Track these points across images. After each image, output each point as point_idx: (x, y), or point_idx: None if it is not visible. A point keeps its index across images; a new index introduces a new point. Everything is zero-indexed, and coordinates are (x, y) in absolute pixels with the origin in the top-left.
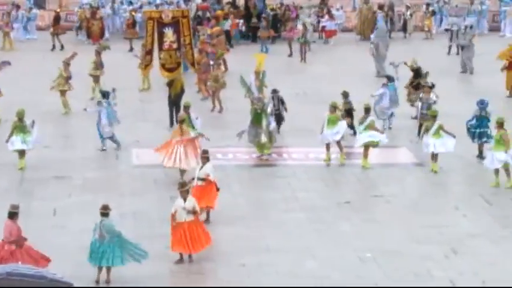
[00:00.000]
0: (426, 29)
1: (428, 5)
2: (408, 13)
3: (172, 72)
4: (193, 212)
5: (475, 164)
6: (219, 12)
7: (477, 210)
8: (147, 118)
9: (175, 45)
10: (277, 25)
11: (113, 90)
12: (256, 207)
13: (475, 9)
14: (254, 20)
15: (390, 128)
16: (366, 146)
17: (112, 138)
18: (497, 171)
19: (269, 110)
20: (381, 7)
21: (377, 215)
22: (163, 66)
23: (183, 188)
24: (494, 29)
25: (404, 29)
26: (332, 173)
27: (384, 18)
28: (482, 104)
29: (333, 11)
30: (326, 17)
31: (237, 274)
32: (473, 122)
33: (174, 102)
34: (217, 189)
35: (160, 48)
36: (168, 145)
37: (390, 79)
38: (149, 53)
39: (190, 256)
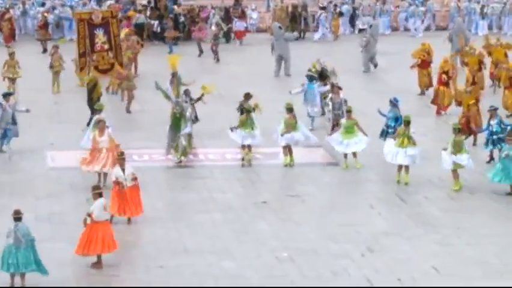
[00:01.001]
0: (333, 29)
1: (335, 6)
2: (319, 13)
3: (105, 74)
4: (89, 214)
5: (389, 163)
6: (131, 12)
7: (392, 208)
8: (61, 120)
9: (106, 46)
10: (187, 25)
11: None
12: (173, 209)
13: (387, 10)
14: (165, 21)
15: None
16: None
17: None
18: (400, 167)
19: (188, 114)
20: (295, 7)
21: (294, 215)
22: (96, 68)
23: (94, 191)
24: (406, 28)
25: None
26: (249, 173)
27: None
28: (396, 102)
29: (249, 11)
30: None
31: (154, 276)
32: (391, 121)
33: None
34: None
35: (93, 50)
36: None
37: (311, 79)
38: (83, 55)
39: (98, 256)
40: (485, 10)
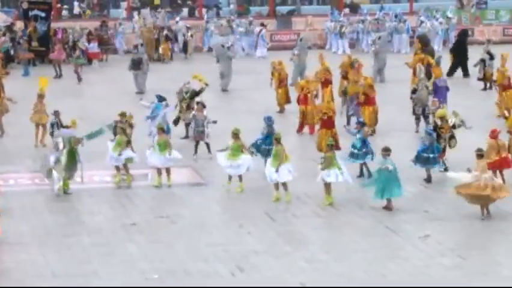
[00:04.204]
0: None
1: (162, 28)
2: (189, 34)
3: None
4: None
5: (259, 181)
6: None
7: (261, 226)
8: None
9: None
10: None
11: None
12: (40, 233)
13: (252, 30)
14: (35, 43)
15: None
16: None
17: None
18: (276, 185)
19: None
20: (162, 29)
21: (163, 236)
22: None
23: None
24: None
25: (184, 49)
26: (117, 195)
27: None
28: (269, 121)
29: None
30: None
31: None
32: (262, 138)
33: None
34: None
35: None
36: None
37: (160, 99)
38: None
39: None
40: (343, 30)
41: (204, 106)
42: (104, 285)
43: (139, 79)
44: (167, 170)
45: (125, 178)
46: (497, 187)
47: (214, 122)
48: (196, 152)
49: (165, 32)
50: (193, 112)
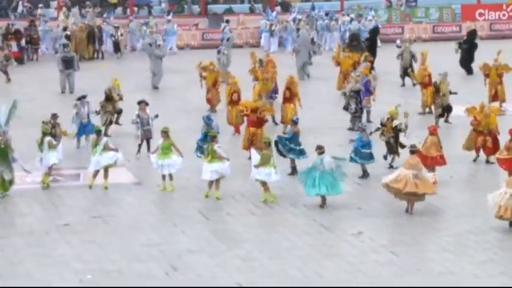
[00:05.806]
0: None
1: (90, 27)
2: (119, 33)
3: None
4: None
5: (193, 180)
6: None
7: (195, 225)
8: None
9: None
10: None
11: None
12: None
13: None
14: None
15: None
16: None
17: None
18: (210, 183)
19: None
20: (91, 27)
21: (97, 236)
22: None
23: None
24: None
25: (115, 49)
26: (50, 196)
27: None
28: (209, 120)
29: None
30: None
31: None
32: (201, 138)
33: None
34: None
35: None
36: None
37: (82, 96)
38: None
39: None
40: (273, 28)
41: (147, 104)
42: (38, 285)
43: (70, 78)
44: (105, 172)
45: (43, 179)
46: (419, 184)
47: (156, 116)
48: (139, 151)
49: (66, 32)
50: (137, 112)
